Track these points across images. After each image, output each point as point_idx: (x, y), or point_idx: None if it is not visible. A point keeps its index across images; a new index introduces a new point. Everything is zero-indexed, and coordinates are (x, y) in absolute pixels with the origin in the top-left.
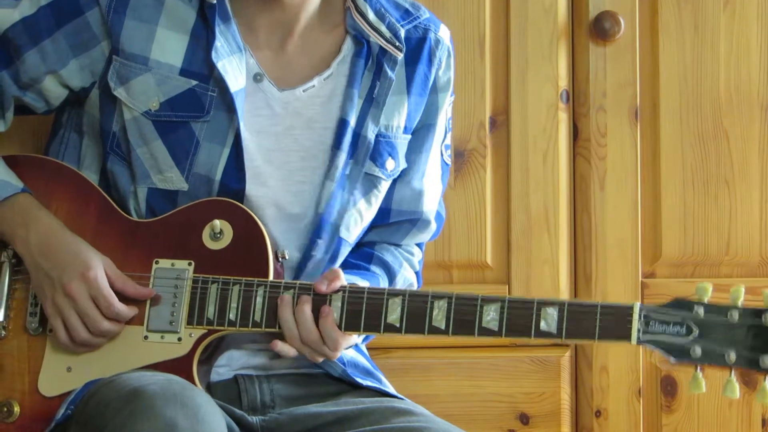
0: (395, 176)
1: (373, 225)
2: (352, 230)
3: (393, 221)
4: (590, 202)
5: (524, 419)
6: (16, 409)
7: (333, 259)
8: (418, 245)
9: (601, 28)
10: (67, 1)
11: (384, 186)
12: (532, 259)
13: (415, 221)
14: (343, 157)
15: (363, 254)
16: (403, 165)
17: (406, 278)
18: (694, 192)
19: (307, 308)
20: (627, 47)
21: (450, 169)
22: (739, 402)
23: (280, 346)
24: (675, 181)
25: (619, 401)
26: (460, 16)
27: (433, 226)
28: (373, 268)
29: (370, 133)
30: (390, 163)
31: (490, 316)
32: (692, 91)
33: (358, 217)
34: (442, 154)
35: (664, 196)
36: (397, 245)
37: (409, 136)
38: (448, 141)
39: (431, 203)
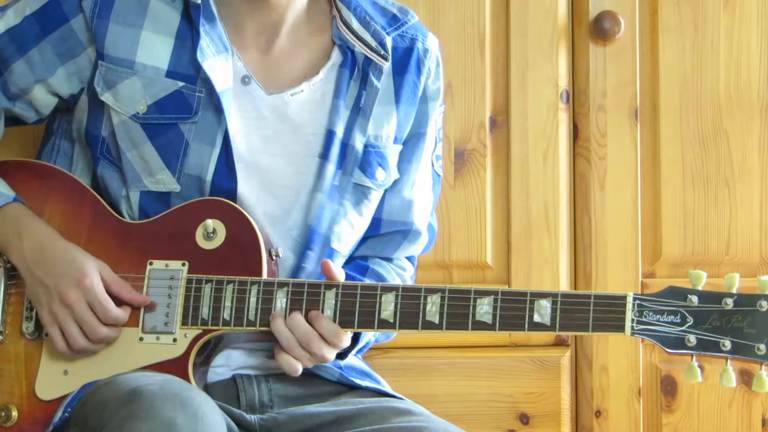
0: (387, 186)
1: (365, 236)
2: (344, 241)
3: (384, 232)
4: (590, 202)
5: (524, 419)
6: (14, 413)
7: None
8: (410, 259)
9: (601, 28)
10: (51, 10)
11: (375, 196)
12: (532, 259)
13: (405, 233)
14: (331, 168)
15: (357, 266)
16: (394, 175)
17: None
18: (694, 192)
19: (297, 314)
20: (627, 47)
21: (443, 179)
22: (739, 402)
23: (285, 363)
24: (675, 181)
25: (619, 401)
26: (460, 16)
27: (425, 237)
28: (368, 281)
29: (358, 143)
30: (380, 174)
31: (484, 309)
32: (692, 91)
33: (349, 228)
34: (432, 165)
35: (664, 196)
36: (389, 259)
37: (399, 146)
38: (439, 152)
39: (421, 213)
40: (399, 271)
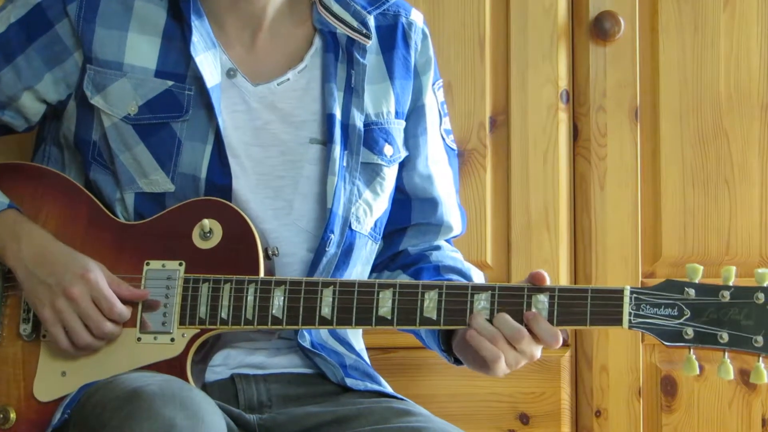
0: (398, 161)
1: (403, 227)
2: (363, 222)
3: (416, 222)
4: (590, 202)
5: (524, 419)
6: (12, 415)
7: (347, 253)
8: (447, 241)
9: (601, 28)
10: (36, 16)
11: (388, 173)
12: (532, 259)
13: (437, 228)
14: (337, 149)
15: (430, 269)
16: (404, 151)
17: (472, 268)
18: (694, 192)
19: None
20: (627, 47)
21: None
22: (739, 402)
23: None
24: (675, 181)
25: (619, 401)
26: (460, 16)
27: (456, 226)
28: (449, 275)
29: (358, 122)
30: (388, 149)
31: (482, 304)
32: (692, 91)
33: (366, 208)
34: (444, 139)
35: (664, 196)
36: (438, 248)
37: (402, 122)
38: (447, 126)
39: (443, 187)
40: (453, 255)
